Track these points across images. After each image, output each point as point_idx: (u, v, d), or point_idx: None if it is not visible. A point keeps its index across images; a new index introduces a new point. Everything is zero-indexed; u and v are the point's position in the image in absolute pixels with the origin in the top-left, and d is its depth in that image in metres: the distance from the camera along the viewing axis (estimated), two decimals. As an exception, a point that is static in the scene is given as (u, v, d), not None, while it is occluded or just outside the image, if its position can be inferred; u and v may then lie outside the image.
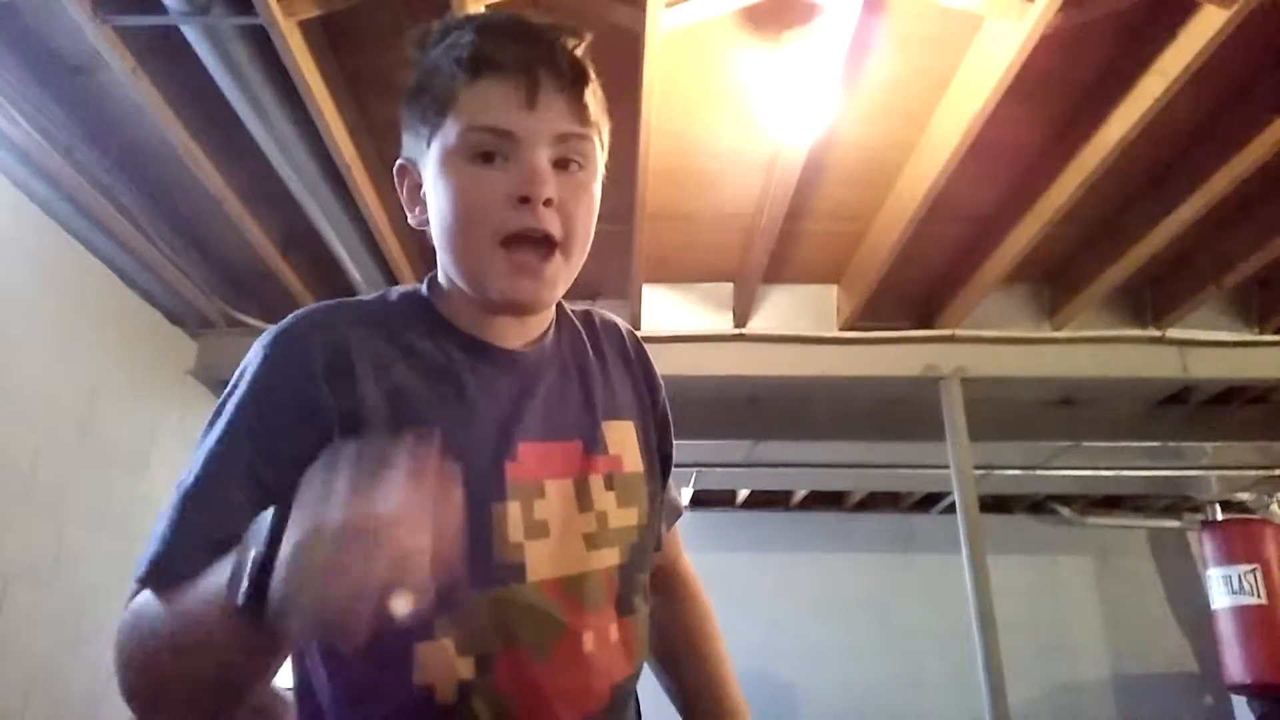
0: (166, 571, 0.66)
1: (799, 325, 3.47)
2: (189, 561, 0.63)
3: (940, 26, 2.18)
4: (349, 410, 0.71)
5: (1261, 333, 3.50)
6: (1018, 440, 4.28)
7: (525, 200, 0.74)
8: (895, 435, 4.26)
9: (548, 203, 0.76)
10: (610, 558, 0.79)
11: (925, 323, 3.57)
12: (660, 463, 0.93)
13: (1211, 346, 3.44)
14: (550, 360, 0.85)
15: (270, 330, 0.76)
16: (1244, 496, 5.29)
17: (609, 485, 0.82)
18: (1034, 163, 2.71)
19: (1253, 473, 4.78)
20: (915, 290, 3.53)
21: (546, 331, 0.86)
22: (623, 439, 0.86)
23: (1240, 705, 5.45)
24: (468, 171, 0.75)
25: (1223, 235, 3.08)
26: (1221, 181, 2.57)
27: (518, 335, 0.83)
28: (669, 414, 0.98)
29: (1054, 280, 3.49)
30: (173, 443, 3.29)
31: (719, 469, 4.78)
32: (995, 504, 5.74)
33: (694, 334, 3.44)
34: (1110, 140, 2.38)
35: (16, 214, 2.48)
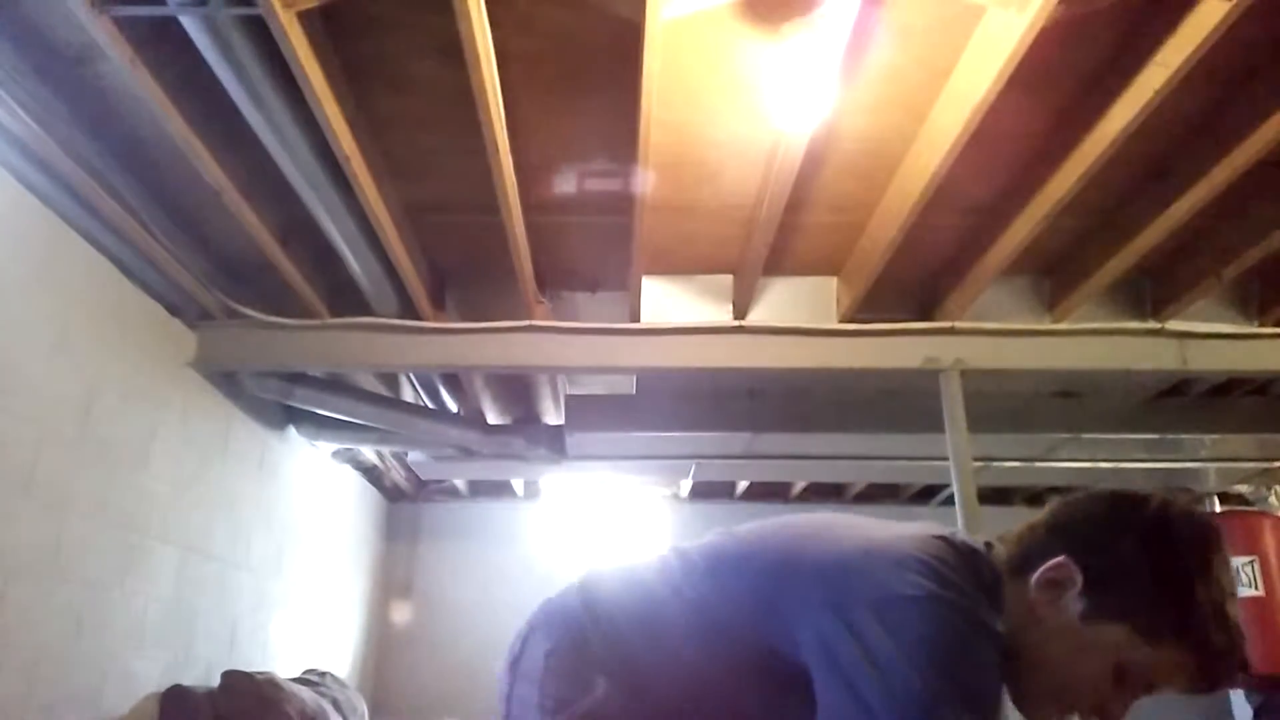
0: None
1: (799, 317, 3.47)
2: None
3: (941, 17, 2.18)
4: None
5: (1261, 325, 3.50)
6: (1017, 432, 4.28)
7: (1105, 716, 0.92)
8: (895, 427, 4.26)
9: None
10: None
11: (925, 315, 3.58)
12: None
13: (1211, 339, 3.44)
14: None
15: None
16: (1242, 489, 5.29)
17: None
18: (1034, 154, 2.71)
19: (1251, 465, 4.79)
20: (915, 282, 3.53)
21: None
22: None
23: (1237, 697, 5.47)
24: (1108, 671, 0.90)
25: (1223, 227, 3.08)
26: (1222, 174, 2.57)
27: None
28: None
29: (1054, 272, 3.49)
30: (172, 435, 3.30)
31: (718, 461, 4.78)
32: (994, 496, 5.75)
33: (694, 326, 3.44)
34: (1111, 132, 2.37)
35: (15, 205, 2.47)
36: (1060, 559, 0.92)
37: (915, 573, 0.88)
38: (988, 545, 1.00)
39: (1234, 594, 0.92)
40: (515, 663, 1.19)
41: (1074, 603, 0.91)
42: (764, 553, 1.03)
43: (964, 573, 0.91)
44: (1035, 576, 0.94)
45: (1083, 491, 1.00)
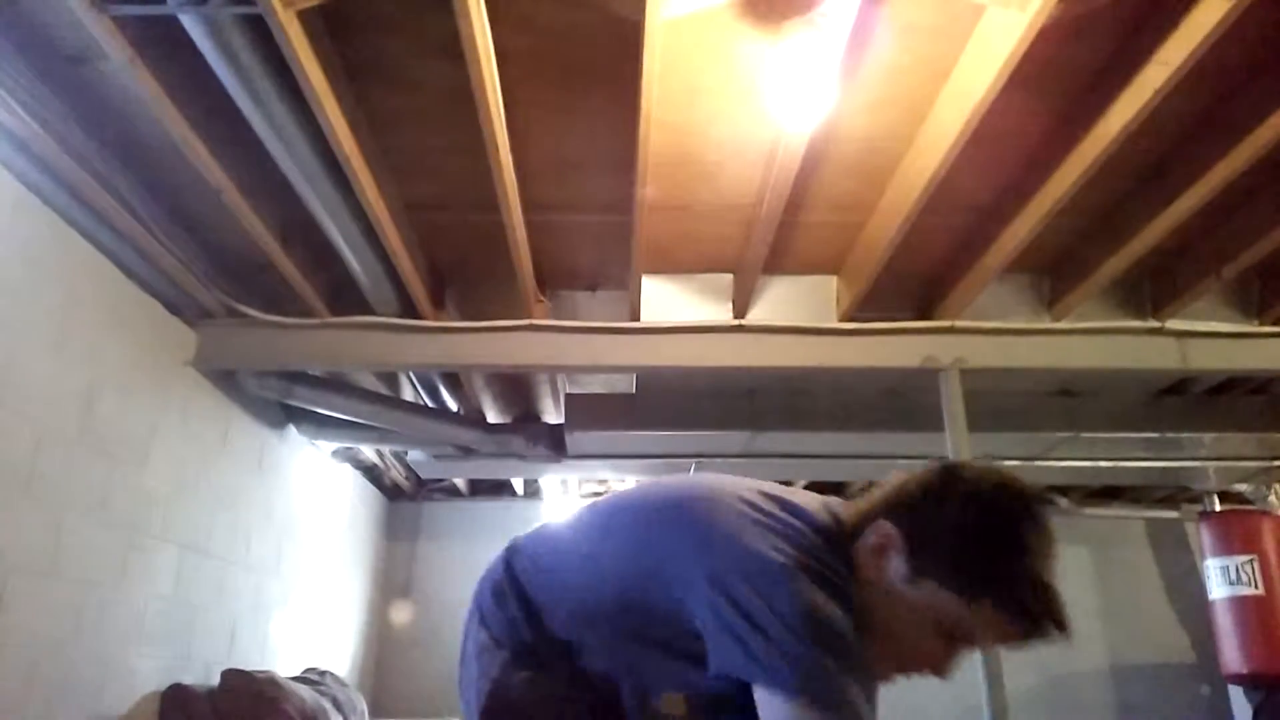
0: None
1: (798, 316, 3.47)
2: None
3: (941, 16, 2.18)
4: None
5: (1261, 324, 3.50)
6: (1016, 431, 4.28)
7: (938, 672, 1.03)
8: (894, 426, 4.26)
9: None
10: None
11: (925, 313, 3.58)
12: None
13: (1211, 337, 3.44)
14: None
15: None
16: (1242, 487, 5.30)
17: None
18: (1034, 153, 2.71)
19: (1251, 464, 4.79)
20: (915, 281, 3.53)
21: None
22: None
23: (1237, 695, 5.48)
24: (930, 628, 1.00)
25: (1223, 226, 3.08)
26: (1222, 172, 2.56)
27: None
28: None
29: (1054, 271, 3.49)
30: (172, 433, 3.30)
31: (718, 460, 4.78)
32: (994, 495, 5.75)
33: (693, 325, 3.44)
34: (1111, 131, 2.37)
35: (14, 204, 2.47)
36: (885, 525, 1.03)
37: (780, 539, 1.00)
38: (835, 517, 1.10)
39: (1047, 555, 0.98)
40: (463, 645, 1.27)
41: (898, 566, 1.01)
42: (647, 517, 1.13)
43: (819, 541, 1.03)
44: (865, 543, 1.04)
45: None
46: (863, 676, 0.95)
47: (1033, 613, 0.96)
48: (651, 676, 1.14)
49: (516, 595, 1.22)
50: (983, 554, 0.98)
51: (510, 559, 1.27)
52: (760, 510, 1.06)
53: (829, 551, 1.03)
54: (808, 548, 1.01)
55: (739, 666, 0.96)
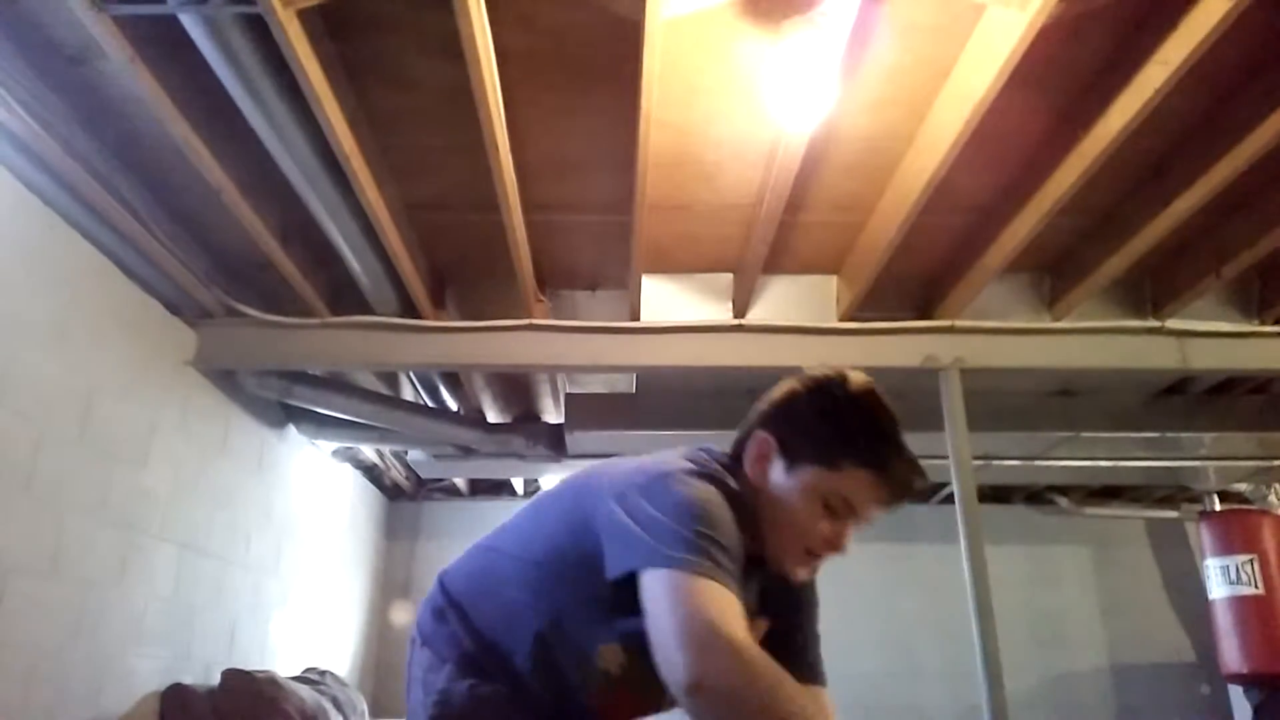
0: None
1: (798, 316, 3.47)
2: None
3: (941, 15, 2.17)
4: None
5: (1261, 323, 3.50)
6: (1016, 431, 4.28)
7: (835, 547, 1.17)
8: (894, 426, 4.26)
9: None
10: None
11: (925, 313, 3.58)
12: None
13: (1211, 337, 3.44)
14: (756, 571, 1.20)
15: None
16: (1242, 487, 5.30)
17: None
18: (1035, 152, 2.71)
19: (1251, 463, 4.79)
20: (915, 281, 3.53)
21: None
22: (758, 630, 1.22)
23: (1237, 695, 5.48)
24: (817, 507, 1.14)
25: (1223, 226, 3.08)
26: (1222, 172, 2.56)
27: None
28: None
29: (1054, 270, 3.49)
30: (172, 433, 3.30)
31: (718, 459, 4.78)
32: (993, 494, 5.76)
33: (693, 325, 3.44)
34: (1111, 130, 2.37)
35: (15, 204, 2.47)
36: (760, 434, 1.20)
37: (682, 460, 1.16)
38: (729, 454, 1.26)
39: (891, 421, 1.15)
40: (408, 674, 1.30)
41: (777, 462, 1.17)
42: (573, 487, 1.25)
43: (718, 463, 1.19)
44: (749, 455, 1.20)
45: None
46: (736, 559, 1.06)
47: (889, 463, 1.13)
48: (586, 635, 1.17)
49: (454, 609, 1.26)
50: (839, 427, 1.15)
51: (444, 581, 1.32)
52: (671, 452, 1.21)
53: (726, 471, 1.18)
54: (705, 462, 1.17)
55: (624, 560, 1.05)
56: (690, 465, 1.14)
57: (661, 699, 1.16)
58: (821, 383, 1.20)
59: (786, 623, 1.28)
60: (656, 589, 1.00)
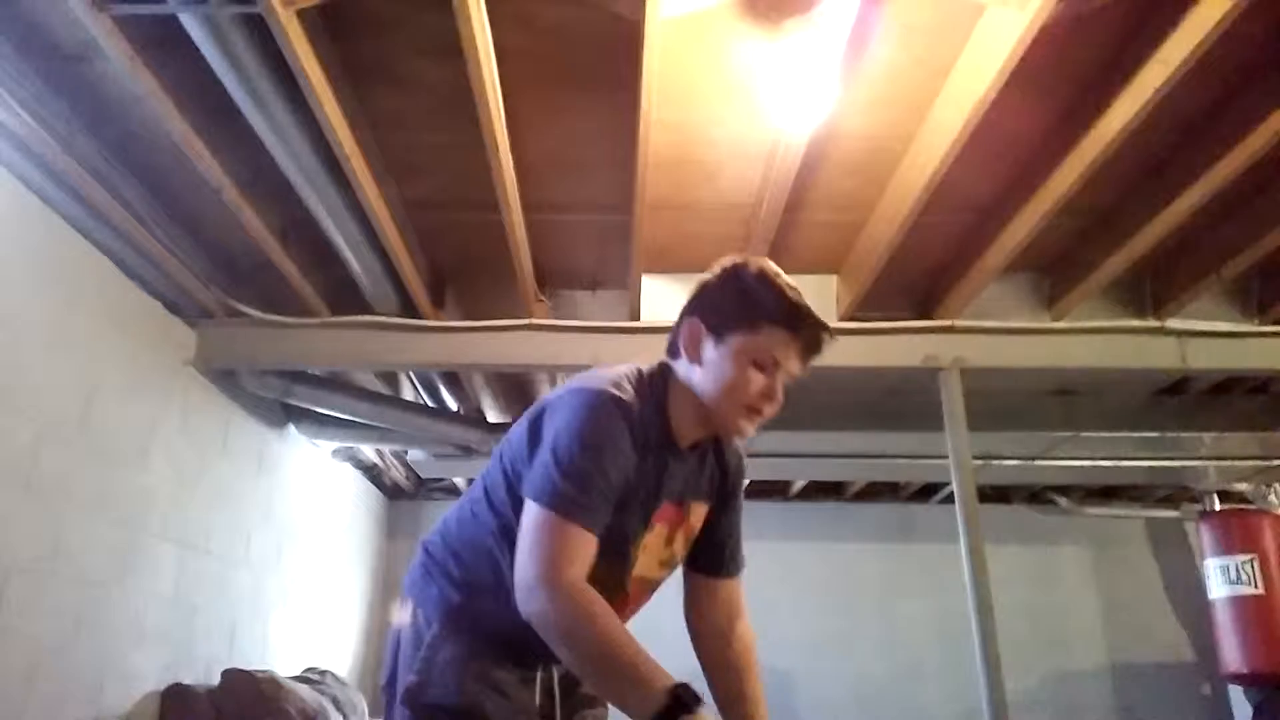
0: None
1: (798, 316, 3.46)
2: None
3: (941, 15, 2.18)
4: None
5: (1261, 323, 3.50)
6: (1016, 431, 4.28)
7: (770, 398, 1.30)
8: (894, 425, 4.26)
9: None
10: (662, 574, 1.39)
11: (924, 313, 3.58)
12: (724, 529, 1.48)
13: (1211, 337, 3.44)
14: (693, 459, 1.38)
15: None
16: (1242, 487, 5.30)
17: (683, 536, 1.39)
18: (1034, 153, 2.71)
19: (1250, 463, 4.79)
20: (915, 280, 3.53)
21: (700, 443, 1.39)
22: (698, 513, 1.41)
23: (1237, 695, 5.48)
24: (747, 368, 1.28)
25: (1223, 226, 3.08)
26: (1222, 172, 2.56)
27: (690, 441, 1.36)
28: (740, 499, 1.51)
29: (1054, 270, 3.49)
30: (172, 432, 3.30)
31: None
32: (994, 494, 5.75)
33: (693, 324, 3.43)
34: (1111, 130, 2.37)
35: (15, 203, 2.47)
36: (686, 320, 1.35)
37: (599, 382, 1.26)
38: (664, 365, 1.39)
39: (793, 287, 1.30)
40: (393, 659, 1.35)
41: (708, 341, 1.31)
42: (517, 427, 1.34)
43: (632, 382, 1.29)
44: (681, 344, 1.34)
45: None
46: (621, 478, 1.20)
47: (799, 316, 1.28)
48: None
49: (437, 564, 1.35)
50: (750, 296, 1.29)
51: (426, 546, 1.41)
52: (607, 370, 1.32)
53: (647, 379, 1.33)
54: (626, 374, 1.30)
55: (527, 485, 1.19)
56: (610, 391, 1.25)
57: (626, 594, 1.32)
58: (728, 268, 1.35)
59: (712, 514, 1.44)
60: (528, 520, 1.15)
